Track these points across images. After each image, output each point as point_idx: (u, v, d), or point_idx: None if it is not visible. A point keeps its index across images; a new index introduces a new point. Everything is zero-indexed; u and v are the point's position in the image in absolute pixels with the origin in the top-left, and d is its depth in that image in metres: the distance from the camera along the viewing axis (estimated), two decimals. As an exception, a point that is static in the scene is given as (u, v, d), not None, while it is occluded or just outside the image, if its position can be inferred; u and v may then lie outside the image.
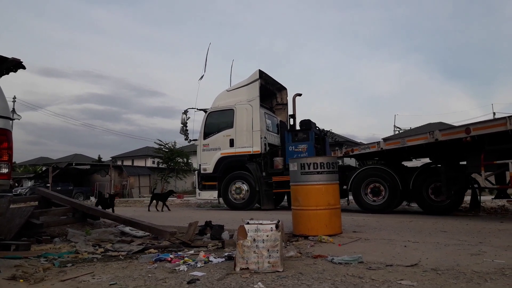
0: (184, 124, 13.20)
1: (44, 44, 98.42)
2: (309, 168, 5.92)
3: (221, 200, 12.92)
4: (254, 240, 3.61)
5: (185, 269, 3.73)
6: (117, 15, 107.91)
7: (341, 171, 10.82)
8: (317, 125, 12.50)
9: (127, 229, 6.47)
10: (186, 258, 4.13)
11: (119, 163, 49.94)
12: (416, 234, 5.89)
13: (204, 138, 12.80)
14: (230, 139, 12.15)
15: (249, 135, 11.87)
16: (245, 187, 11.89)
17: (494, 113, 40.77)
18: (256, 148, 11.74)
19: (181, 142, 37.53)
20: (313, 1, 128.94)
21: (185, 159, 35.84)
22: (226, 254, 4.33)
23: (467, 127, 7.93)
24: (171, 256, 4.27)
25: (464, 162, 8.93)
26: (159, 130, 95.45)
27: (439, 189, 9.30)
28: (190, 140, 13.68)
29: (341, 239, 5.41)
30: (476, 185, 9.36)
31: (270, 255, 3.57)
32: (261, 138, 11.75)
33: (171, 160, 34.40)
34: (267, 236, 3.62)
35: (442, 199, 9.30)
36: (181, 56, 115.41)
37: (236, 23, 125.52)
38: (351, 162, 13.14)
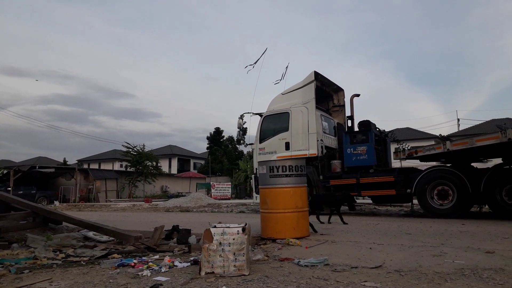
0: (241, 128, 12.97)
1: (7, 42, 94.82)
2: (278, 171, 5.93)
3: None
4: (220, 243, 3.56)
5: (149, 274, 3.63)
6: (86, 14, 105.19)
7: (404, 174, 10.31)
8: (377, 126, 12.08)
9: (91, 234, 6.27)
10: (150, 263, 4.02)
11: (85, 166, 48.61)
12: (382, 237, 5.99)
13: (260, 142, 12.44)
14: (286, 142, 11.76)
15: (305, 138, 11.50)
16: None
17: (458, 119, 42.38)
18: (313, 151, 11.31)
19: (150, 145, 36.86)
20: (285, 5, 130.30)
21: (154, 163, 35.25)
22: (192, 258, 4.25)
23: None
24: (135, 261, 4.16)
25: None
26: (128, 132, 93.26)
27: None
28: (247, 144, 13.44)
29: (309, 242, 5.43)
30: None
31: (236, 259, 3.52)
32: (317, 140, 11.33)
33: (140, 164, 33.73)
34: (234, 239, 3.58)
35: None
36: (151, 57, 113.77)
37: (208, 25, 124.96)
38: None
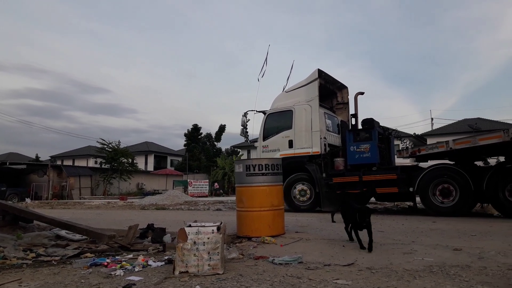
0: (244, 126, 12.89)
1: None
2: (254, 170, 5.96)
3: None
4: (195, 242, 3.56)
5: (122, 273, 3.60)
6: (62, 8, 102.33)
7: (406, 172, 10.21)
8: (380, 124, 12.08)
9: (63, 232, 6.14)
10: (123, 263, 3.99)
11: (58, 162, 47.48)
12: (355, 234, 6.09)
13: (264, 140, 12.48)
14: (289, 140, 11.86)
15: (308, 136, 11.55)
16: (309, 189, 11.45)
17: (432, 119, 43.45)
18: (316, 148, 11.38)
19: (125, 141, 36.32)
20: (265, 2, 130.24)
21: (129, 159, 34.76)
22: (166, 257, 4.23)
23: None
24: (108, 260, 4.11)
25: None
26: (103, 128, 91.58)
27: None
28: (250, 142, 13.34)
29: (284, 240, 5.48)
30: None
31: (210, 258, 3.53)
32: (320, 138, 11.38)
33: (115, 160, 33.20)
34: (208, 238, 3.58)
35: None
36: (129, 53, 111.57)
37: (187, 21, 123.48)
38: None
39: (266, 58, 14.51)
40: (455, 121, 40.98)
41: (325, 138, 11.49)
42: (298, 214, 10.48)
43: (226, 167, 34.39)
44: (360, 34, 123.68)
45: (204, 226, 3.80)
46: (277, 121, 12.33)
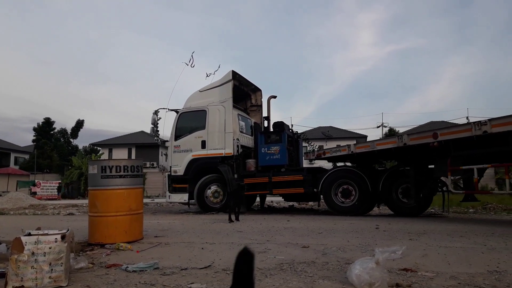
0: (155, 124, 12.18)
1: None
2: (110, 172, 5.55)
3: (191, 202, 11.81)
4: (33, 253, 3.14)
5: None
6: None
7: (312, 173, 10.48)
8: (290, 128, 12.46)
9: None
10: None
11: None
12: (215, 236, 6.18)
13: (175, 140, 12.01)
14: (202, 141, 11.60)
15: (221, 137, 11.42)
16: (222, 190, 11.28)
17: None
18: (228, 150, 11.29)
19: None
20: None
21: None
22: (-2, 271, 3.64)
23: (434, 132, 8.05)
24: None
25: (433, 166, 9.00)
26: None
27: (408, 191, 9.42)
28: (161, 141, 12.69)
29: (141, 245, 5.24)
30: (445, 188, 9.28)
31: (52, 269, 3.16)
32: (233, 139, 11.32)
33: None
34: (50, 248, 3.20)
35: (411, 201, 9.35)
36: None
37: (43, 4, 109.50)
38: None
39: (192, 61, 13.82)
40: (311, 128, 45.22)
41: (238, 139, 11.66)
42: (160, 217, 10.27)
43: (83, 167, 31.63)
44: (231, 40, 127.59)
45: (46, 234, 3.38)
46: (190, 121, 12.16)
